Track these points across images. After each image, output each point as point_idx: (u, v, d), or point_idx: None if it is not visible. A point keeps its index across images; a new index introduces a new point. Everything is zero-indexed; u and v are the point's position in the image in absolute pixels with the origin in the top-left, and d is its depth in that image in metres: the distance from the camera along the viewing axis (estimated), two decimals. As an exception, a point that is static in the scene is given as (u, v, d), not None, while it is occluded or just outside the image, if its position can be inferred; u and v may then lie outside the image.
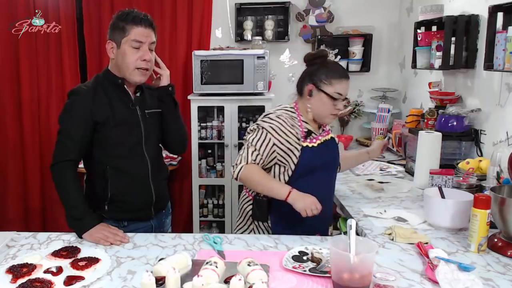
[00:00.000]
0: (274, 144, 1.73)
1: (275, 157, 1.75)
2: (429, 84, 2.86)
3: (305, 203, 1.64)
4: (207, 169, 3.63)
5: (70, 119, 1.75)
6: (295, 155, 1.75)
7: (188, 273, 1.38)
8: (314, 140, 1.80)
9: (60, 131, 1.77)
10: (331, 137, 1.91)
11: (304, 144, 1.77)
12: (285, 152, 1.75)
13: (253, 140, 1.75)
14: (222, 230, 3.60)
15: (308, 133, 1.79)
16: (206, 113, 3.60)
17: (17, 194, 3.80)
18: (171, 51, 3.63)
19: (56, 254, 1.52)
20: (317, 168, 1.78)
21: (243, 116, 3.56)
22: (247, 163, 1.72)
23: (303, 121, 1.81)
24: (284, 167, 1.77)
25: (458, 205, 1.70)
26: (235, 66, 3.26)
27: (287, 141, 1.74)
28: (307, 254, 1.50)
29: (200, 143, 3.44)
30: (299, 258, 1.48)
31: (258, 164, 1.74)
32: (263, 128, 1.75)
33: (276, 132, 1.74)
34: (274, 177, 1.78)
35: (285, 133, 1.75)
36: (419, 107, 3.09)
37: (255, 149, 1.74)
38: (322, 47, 3.58)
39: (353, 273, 1.23)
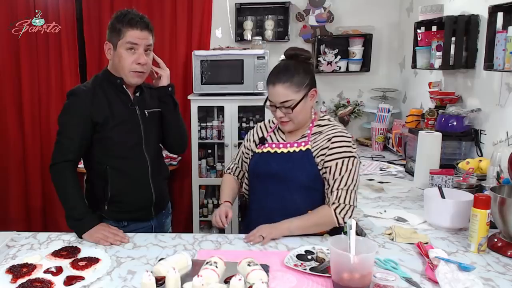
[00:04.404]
0: (242, 151, 1.92)
1: (244, 162, 1.89)
2: (429, 84, 2.86)
3: (214, 213, 1.76)
4: (207, 169, 3.64)
5: (69, 120, 1.75)
6: (249, 160, 1.84)
7: (188, 273, 1.38)
8: (263, 148, 1.78)
9: (59, 131, 1.77)
10: (301, 150, 1.71)
11: (256, 151, 1.80)
12: (246, 158, 1.88)
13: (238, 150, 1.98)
14: (222, 230, 3.59)
15: (261, 140, 1.80)
16: (206, 113, 3.60)
17: (19, 194, 3.81)
18: (171, 51, 3.63)
19: (56, 254, 1.52)
20: (262, 175, 1.75)
21: (243, 116, 3.57)
22: (224, 172, 2.01)
23: (279, 128, 1.80)
24: (247, 172, 1.87)
25: (458, 205, 1.70)
26: (235, 66, 3.27)
27: (248, 147, 1.87)
28: (313, 253, 1.50)
29: (200, 143, 3.44)
30: (303, 257, 1.48)
31: (234, 171, 1.95)
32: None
33: (247, 139, 1.90)
34: (243, 181, 1.90)
35: (250, 140, 1.88)
36: (419, 107, 3.09)
37: (234, 158, 1.99)
38: (322, 47, 3.60)
39: (353, 273, 1.23)
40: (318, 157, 1.69)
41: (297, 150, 1.71)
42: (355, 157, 1.68)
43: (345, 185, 1.64)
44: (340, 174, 1.64)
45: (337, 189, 1.64)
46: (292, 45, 1.97)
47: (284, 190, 1.70)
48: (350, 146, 1.68)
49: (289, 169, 1.70)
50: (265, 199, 1.75)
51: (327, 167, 1.67)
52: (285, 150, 1.73)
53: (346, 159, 1.65)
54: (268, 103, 1.72)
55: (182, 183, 3.78)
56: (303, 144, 1.71)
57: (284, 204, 1.71)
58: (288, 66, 1.67)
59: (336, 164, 1.65)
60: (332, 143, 1.67)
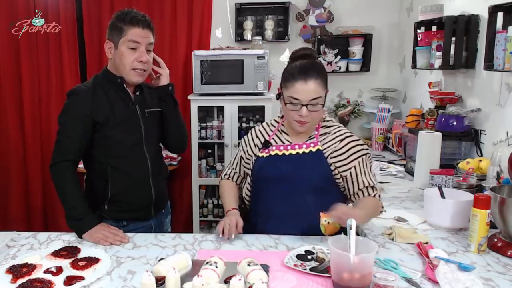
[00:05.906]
0: (241, 156, 1.85)
1: (243, 167, 1.84)
2: (429, 84, 2.86)
3: (224, 222, 1.69)
4: (207, 169, 3.64)
5: (69, 120, 1.75)
6: (252, 164, 1.77)
7: (188, 273, 1.38)
8: (268, 151, 1.73)
9: (60, 131, 1.76)
10: (311, 151, 1.69)
11: (260, 155, 1.74)
12: (247, 163, 1.81)
13: (234, 155, 1.91)
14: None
15: (265, 144, 1.74)
16: (206, 113, 3.60)
17: (19, 194, 3.81)
18: (171, 51, 3.63)
19: (56, 254, 1.52)
20: (270, 179, 1.70)
21: (243, 116, 3.57)
22: (222, 178, 1.93)
23: (282, 130, 1.76)
24: (249, 177, 1.81)
25: (458, 205, 1.70)
26: (235, 66, 3.27)
27: (249, 151, 1.80)
28: (313, 253, 1.50)
29: (200, 143, 3.45)
30: (303, 257, 1.48)
31: (233, 177, 1.89)
32: (240, 143, 1.87)
33: (245, 143, 1.83)
34: (243, 186, 1.85)
35: (249, 144, 1.81)
36: (419, 107, 3.09)
37: (231, 164, 1.91)
38: (322, 47, 3.60)
39: (353, 273, 1.23)
40: (331, 158, 1.68)
41: (306, 151, 1.69)
42: (369, 153, 1.74)
43: (371, 179, 1.69)
44: (364, 173, 1.68)
45: (367, 184, 1.67)
46: (292, 45, 1.98)
47: (294, 193, 1.66)
48: (362, 144, 1.72)
49: (300, 170, 1.67)
50: (273, 203, 1.71)
51: (349, 168, 1.67)
52: (293, 152, 1.70)
53: (364, 157, 1.70)
54: (289, 101, 1.62)
55: (182, 183, 3.78)
56: (312, 145, 1.70)
57: (295, 206, 1.68)
58: (314, 64, 1.67)
59: (358, 163, 1.68)
60: (347, 144, 1.69)
